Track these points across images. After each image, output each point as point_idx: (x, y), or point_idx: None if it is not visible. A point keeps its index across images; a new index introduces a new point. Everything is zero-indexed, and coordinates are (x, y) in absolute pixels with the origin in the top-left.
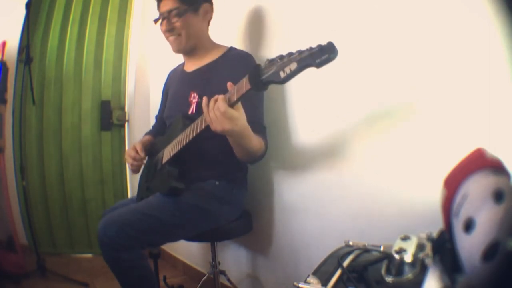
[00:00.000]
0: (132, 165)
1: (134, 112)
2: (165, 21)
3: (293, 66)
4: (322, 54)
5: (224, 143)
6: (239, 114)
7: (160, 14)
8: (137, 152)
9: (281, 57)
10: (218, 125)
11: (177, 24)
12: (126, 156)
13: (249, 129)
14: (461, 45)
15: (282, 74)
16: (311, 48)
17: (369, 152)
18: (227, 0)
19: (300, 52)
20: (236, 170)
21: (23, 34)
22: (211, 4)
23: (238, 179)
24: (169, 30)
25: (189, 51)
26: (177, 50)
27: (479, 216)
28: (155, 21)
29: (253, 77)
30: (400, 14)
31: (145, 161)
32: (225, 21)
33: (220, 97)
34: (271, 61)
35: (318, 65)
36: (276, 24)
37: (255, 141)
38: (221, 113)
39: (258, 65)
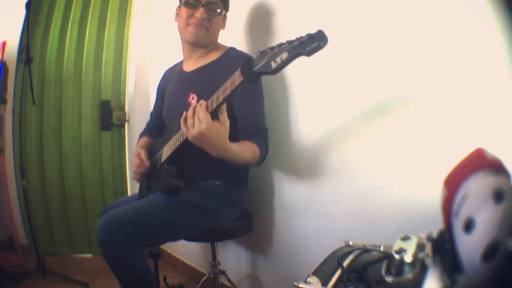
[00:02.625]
0: (137, 173)
1: (134, 112)
2: (202, 9)
3: (284, 55)
4: (312, 42)
5: None
6: (216, 127)
7: (197, 0)
8: (141, 160)
9: (272, 48)
10: (196, 129)
11: (213, 19)
12: (131, 164)
13: (226, 146)
14: (461, 45)
15: (273, 64)
16: (301, 37)
17: (369, 152)
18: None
19: (290, 42)
20: (237, 171)
21: (23, 34)
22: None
23: (239, 180)
24: (203, 20)
25: (202, 47)
26: (196, 40)
27: (479, 216)
28: (189, 5)
29: (245, 69)
30: (401, 14)
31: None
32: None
33: (200, 104)
34: (262, 53)
35: (309, 53)
36: (278, 24)
37: (241, 154)
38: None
39: (250, 58)
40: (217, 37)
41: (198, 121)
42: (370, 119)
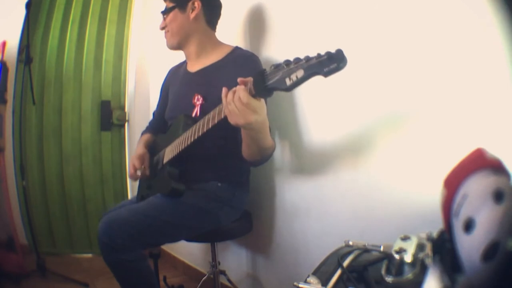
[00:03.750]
0: (132, 175)
1: (134, 112)
2: (162, 21)
3: (300, 73)
4: (331, 63)
5: (228, 145)
6: (262, 105)
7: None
8: (144, 168)
9: (287, 63)
10: (240, 118)
11: (167, 21)
12: (131, 164)
13: (268, 122)
14: (461, 45)
15: (288, 81)
16: (319, 55)
17: (369, 152)
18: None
19: (308, 59)
20: (239, 172)
21: (23, 34)
22: (201, 0)
23: (240, 181)
24: (162, 28)
25: (177, 47)
26: (168, 46)
27: (479, 216)
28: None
29: (258, 83)
30: (401, 15)
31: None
32: (229, 20)
33: (240, 87)
34: (277, 67)
35: (326, 74)
36: (279, 24)
37: (269, 137)
38: (244, 104)
39: (264, 70)
40: (185, 30)
41: (246, 110)
42: (370, 119)
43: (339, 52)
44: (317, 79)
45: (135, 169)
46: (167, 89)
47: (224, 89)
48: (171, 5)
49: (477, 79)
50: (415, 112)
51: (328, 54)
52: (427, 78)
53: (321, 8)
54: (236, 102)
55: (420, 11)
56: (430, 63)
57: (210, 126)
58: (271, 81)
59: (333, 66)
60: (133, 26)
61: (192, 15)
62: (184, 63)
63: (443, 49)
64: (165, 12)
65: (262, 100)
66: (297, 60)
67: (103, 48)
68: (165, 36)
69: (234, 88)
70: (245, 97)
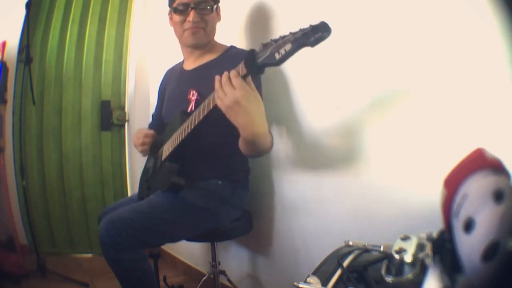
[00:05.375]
0: (143, 143)
1: (134, 112)
2: (193, 12)
3: (288, 47)
4: (315, 33)
5: (228, 143)
6: (256, 97)
7: (184, 4)
8: (147, 135)
9: (275, 40)
10: (226, 99)
11: (207, 18)
12: (134, 140)
13: (267, 128)
14: (462, 45)
15: (277, 56)
16: (303, 29)
17: (369, 152)
18: None
19: (293, 33)
20: (239, 171)
21: (23, 34)
22: None
23: (240, 180)
24: (197, 22)
25: (202, 47)
26: (195, 43)
27: (479, 216)
28: (179, 11)
29: (249, 62)
30: (401, 14)
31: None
32: (226, 19)
33: (232, 71)
34: (266, 45)
35: (313, 44)
36: (277, 23)
37: (268, 140)
38: (232, 79)
39: (253, 50)
40: (215, 32)
41: (232, 89)
42: (371, 119)
43: (322, 23)
44: (315, 75)
45: (143, 137)
46: (164, 91)
47: (217, 76)
48: (212, 3)
49: (477, 79)
50: (415, 112)
51: (312, 26)
52: (427, 78)
53: (318, 4)
54: (227, 83)
55: (420, 12)
56: (430, 63)
57: (206, 112)
58: (261, 58)
59: (318, 35)
60: (133, 26)
61: (219, 18)
62: (179, 63)
63: (443, 49)
64: (211, 10)
65: (256, 92)
66: (284, 36)
67: (103, 48)
68: (196, 31)
69: (226, 72)
70: (233, 75)
